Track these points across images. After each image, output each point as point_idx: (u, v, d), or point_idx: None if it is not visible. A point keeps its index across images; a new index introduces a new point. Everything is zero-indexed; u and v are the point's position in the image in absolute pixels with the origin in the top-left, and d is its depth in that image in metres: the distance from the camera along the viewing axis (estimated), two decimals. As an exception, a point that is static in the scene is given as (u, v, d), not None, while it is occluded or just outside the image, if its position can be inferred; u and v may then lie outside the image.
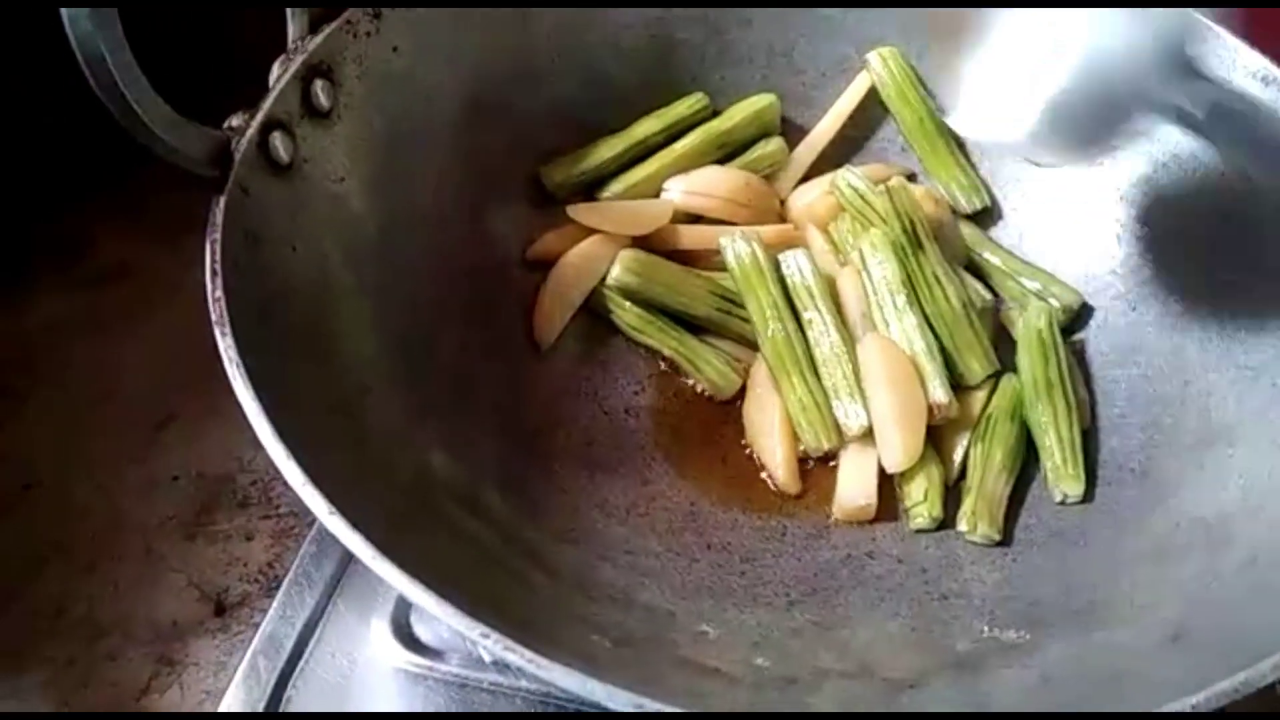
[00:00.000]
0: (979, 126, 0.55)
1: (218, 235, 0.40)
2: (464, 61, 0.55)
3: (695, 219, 0.60)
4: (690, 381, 0.57)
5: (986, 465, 0.52)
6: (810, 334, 0.55)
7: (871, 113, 0.63)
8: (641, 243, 0.58)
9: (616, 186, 0.60)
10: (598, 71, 0.61)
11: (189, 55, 0.56)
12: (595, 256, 0.57)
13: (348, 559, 0.52)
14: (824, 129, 0.63)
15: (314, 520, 0.53)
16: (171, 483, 0.56)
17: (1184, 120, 0.54)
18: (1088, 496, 0.51)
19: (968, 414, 0.54)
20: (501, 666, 0.48)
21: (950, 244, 0.58)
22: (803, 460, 0.54)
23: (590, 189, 0.61)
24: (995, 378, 0.55)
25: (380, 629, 0.50)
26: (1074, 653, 0.43)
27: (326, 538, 0.52)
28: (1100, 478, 0.52)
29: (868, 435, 0.52)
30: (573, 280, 0.57)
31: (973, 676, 0.43)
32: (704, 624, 0.45)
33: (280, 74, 0.46)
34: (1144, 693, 0.36)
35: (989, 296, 0.58)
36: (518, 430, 0.53)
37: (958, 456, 0.53)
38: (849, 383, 0.53)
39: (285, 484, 0.35)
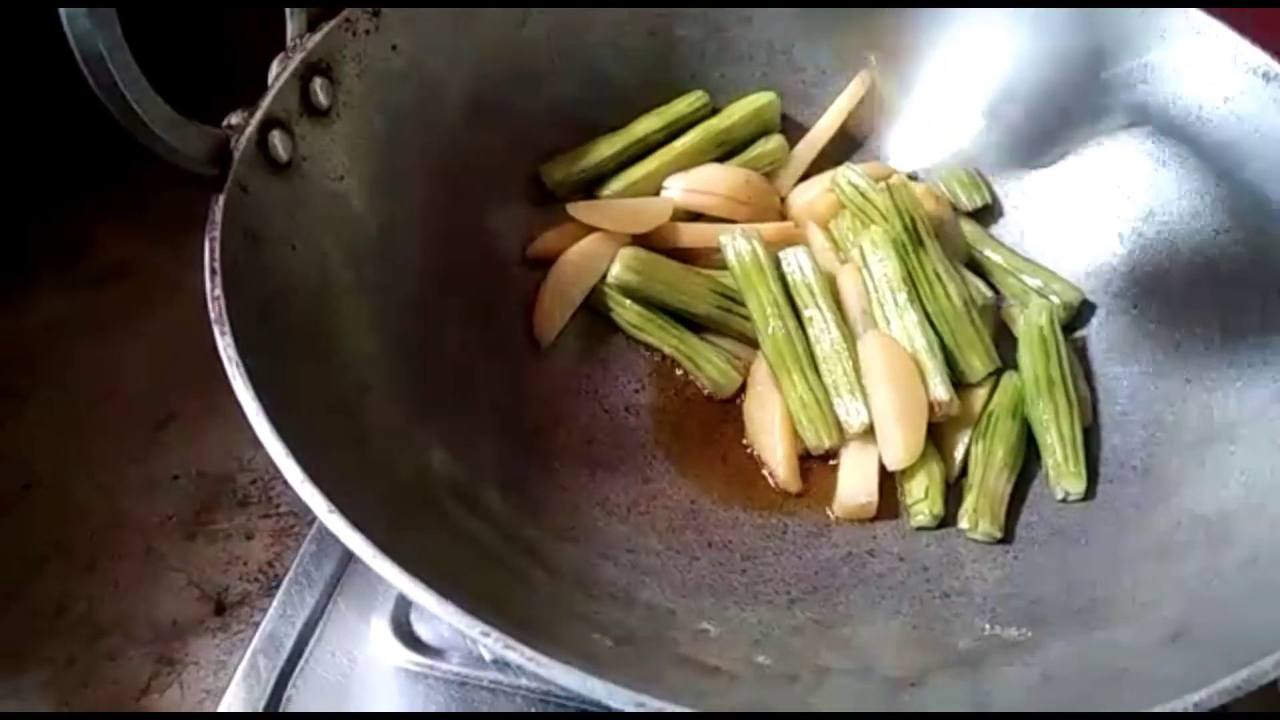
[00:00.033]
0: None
1: (217, 234, 0.40)
2: (464, 60, 0.55)
3: (695, 217, 0.60)
4: (691, 379, 0.57)
5: (988, 463, 0.52)
6: (811, 331, 0.55)
7: (872, 110, 0.63)
8: (641, 241, 0.58)
9: (616, 184, 0.60)
10: (598, 71, 0.61)
11: (188, 54, 0.56)
12: (595, 255, 0.57)
13: (348, 558, 0.52)
14: (824, 126, 0.63)
15: (314, 519, 0.52)
16: (171, 482, 0.56)
17: (1182, 117, 0.54)
18: (1089, 494, 0.51)
19: (969, 411, 0.54)
20: (502, 665, 0.48)
21: (951, 241, 0.58)
22: (803, 458, 0.54)
23: (590, 187, 0.61)
24: (996, 375, 0.55)
25: (380, 628, 0.50)
26: (1075, 650, 0.42)
27: (326, 536, 0.52)
28: (1102, 475, 0.52)
29: (868, 433, 0.52)
30: (573, 278, 0.57)
31: (974, 674, 0.42)
32: (705, 622, 0.45)
33: (279, 72, 0.46)
34: (1145, 691, 0.36)
35: (990, 294, 0.58)
36: (518, 428, 0.53)
37: (959, 454, 0.53)
38: (850, 380, 0.53)
39: (285, 483, 0.35)
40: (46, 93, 0.54)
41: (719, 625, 0.45)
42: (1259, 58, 0.52)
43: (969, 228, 0.60)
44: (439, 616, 0.33)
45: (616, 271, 0.56)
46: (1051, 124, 0.59)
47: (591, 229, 0.58)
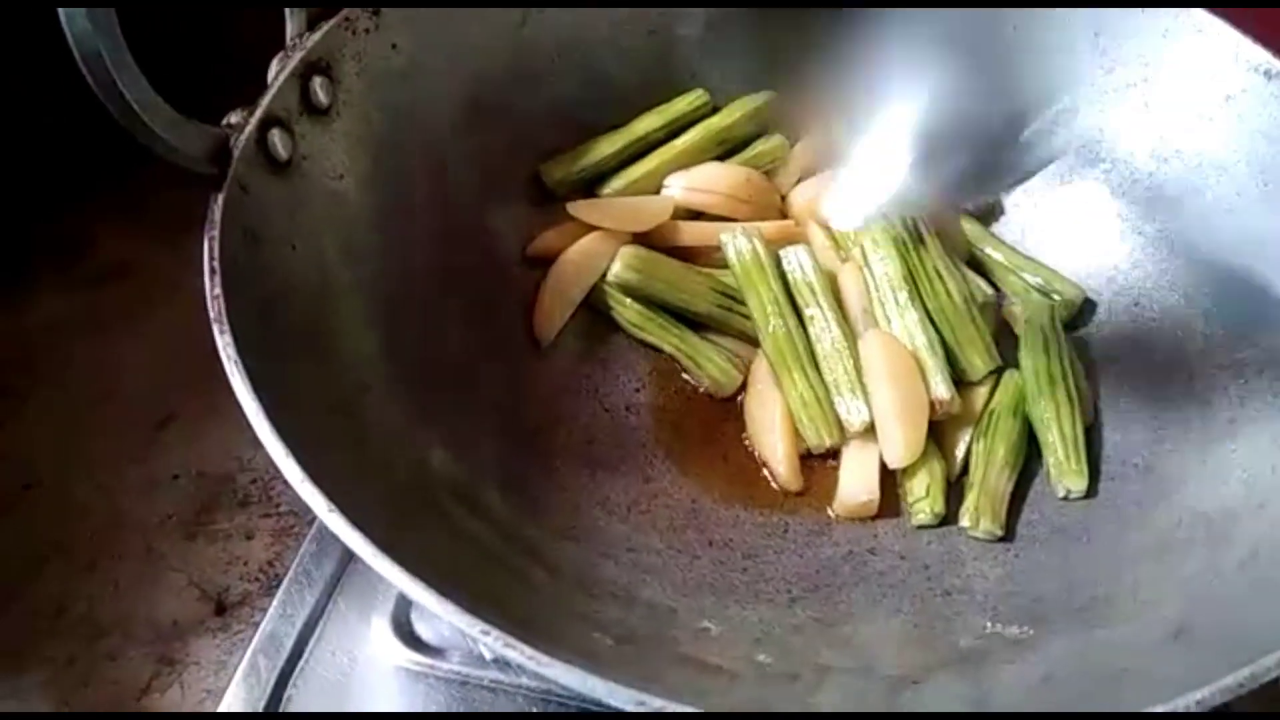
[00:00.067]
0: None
1: (216, 233, 0.40)
2: (463, 59, 0.55)
3: (696, 215, 0.60)
4: (691, 378, 0.56)
5: (989, 461, 0.52)
6: (811, 330, 0.55)
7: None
8: (642, 239, 0.58)
9: (616, 183, 0.60)
10: (598, 71, 0.60)
11: (187, 54, 0.56)
12: (595, 254, 0.57)
13: (348, 557, 0.52)
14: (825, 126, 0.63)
15: (314, 519, 0.53)
16: (171, 482, 0.56)
17: (1184, 116, 0.54)
18: (1090, 492, 0.51)
19: (970, 410, 0.54)
20: (502, 664, 0.48)
21: (952, 239, 0.58)
22: (804, 457, 0.53)
23: (590, 186, 0.61)
24: (997, 373, 0.55)
25: (381, 627, 0.50)
26: (1076, 649, 0.42)
27: (327, 536, 0.52)
28: (1103, 473, 0.52)
29: (869, 431, 0.52)
30: (573, 277, 0.57)
31: (975, 673, 0.42)
32: (706, 621, 0.45)
33: (279, 71, 0.46)
34: (1146, 689, 0.36)
35: (991, 292, 0.58)
36: (518, 428, 0.52)
37: (960, 452, 0.53)
38: (850, 379, 0.53)
39: (285, 483, 0.35)
40: (46, 93, 0.54)
41: (720, 624, 0.45)
42: (1261, 56, 0.52)
43: (970, 226, 0.60)
44: (439, 616, 0.33)
45: (617, 270, 0.56)
46: (1053, 123, 0.59)
47: (591, 228, 0.58)
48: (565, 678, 0.32)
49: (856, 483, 0.52)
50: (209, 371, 0.37)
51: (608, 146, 0.60)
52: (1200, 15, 0.53)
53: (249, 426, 0.36)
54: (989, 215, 0.61)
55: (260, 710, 0.47)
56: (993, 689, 0.41)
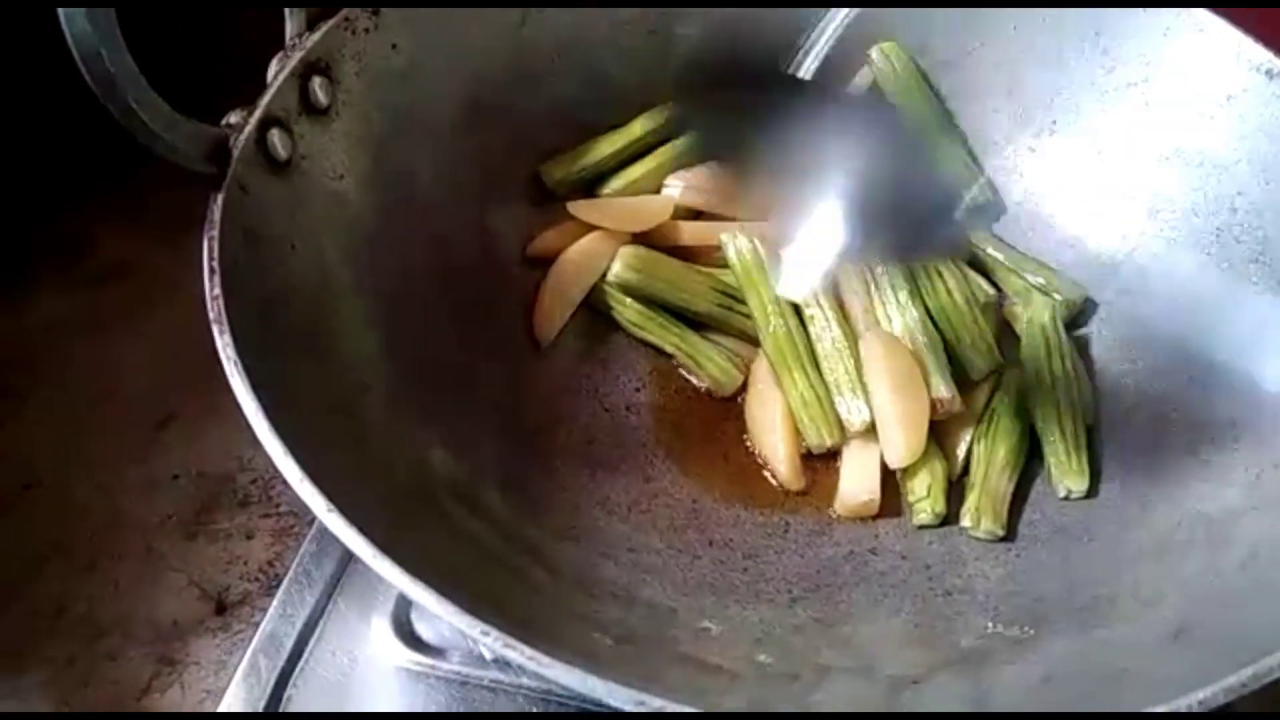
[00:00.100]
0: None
1: (216, 233, 0.40)
2: (463, 59, 0.55)
3: (696, 215, 0.60)
4: (691, 378, 0.56)
5: (990, 461, 0.52)
6: (812, 330, 0.55)
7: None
8: (642, 239, 0.58)
9: (616, 183, 0.60)
10: (598, 71, 0.60)
11: (187, 54, 0.56)
12: (595, 253, 0.57)
13: (348, 557, 0.51)
14: (825, 125, 0.63)
15: (314, 519, 0.52)
16: (171, 482, 0.56)
17: (1185, 115, 0.54)
18: (1091, 492, 0.51)
19: (971, 409, 0.54)
20: (503, 664, 0.48)
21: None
22: (805, 456, 0.53)
23: (590, 186, 0.60)
24: (998, 373, 0.55)
25: (381, 627, 0.49)
26: (1077, 649, 0.42)
27: (327, 536, 0.52)
28: (1104, 473, 0.52)
29: (870, 431, 0.52)
30: (573, 277, 0.57)
31: (976, 673, 0.42)
32: (706, 621, 0.45)
33: (278, 71, 0.46)
34: (1147, 689, 0.36)
35: (992, 291, 0.58)
36: (518, 428, 0.52)
37: (961, 452, 0.53)
38: (851, 378, 0.53)
39: (285, 482, 0.35)
40: (46, 93, 0.54)
41: (720, 624, 0.45)
42: (1262, 55, 0.51)
43: (970, 225, 0.60)
44: (439, 616, 0.33)
45: (617, 270, 0.56)
46: (1053, 120, 0.59)
47: (591, 228, 0.58)
48: (565, 678, 0.32)
49: (857, 482, 0.51)
50: (209, 371, 0.37)
51: (608, 146, 0.60)
52: (1201, 14, 0.53)
53: (249, 426, 0.36)
54: (989, 215, 0.61)
55: (260, 710, 0.47)
56: (993, 689, 0.41)
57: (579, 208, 0.58)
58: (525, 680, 0.48)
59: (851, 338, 0.54)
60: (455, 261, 0.54)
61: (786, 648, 0.44)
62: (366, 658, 0.49)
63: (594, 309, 0.57)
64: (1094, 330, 0.57)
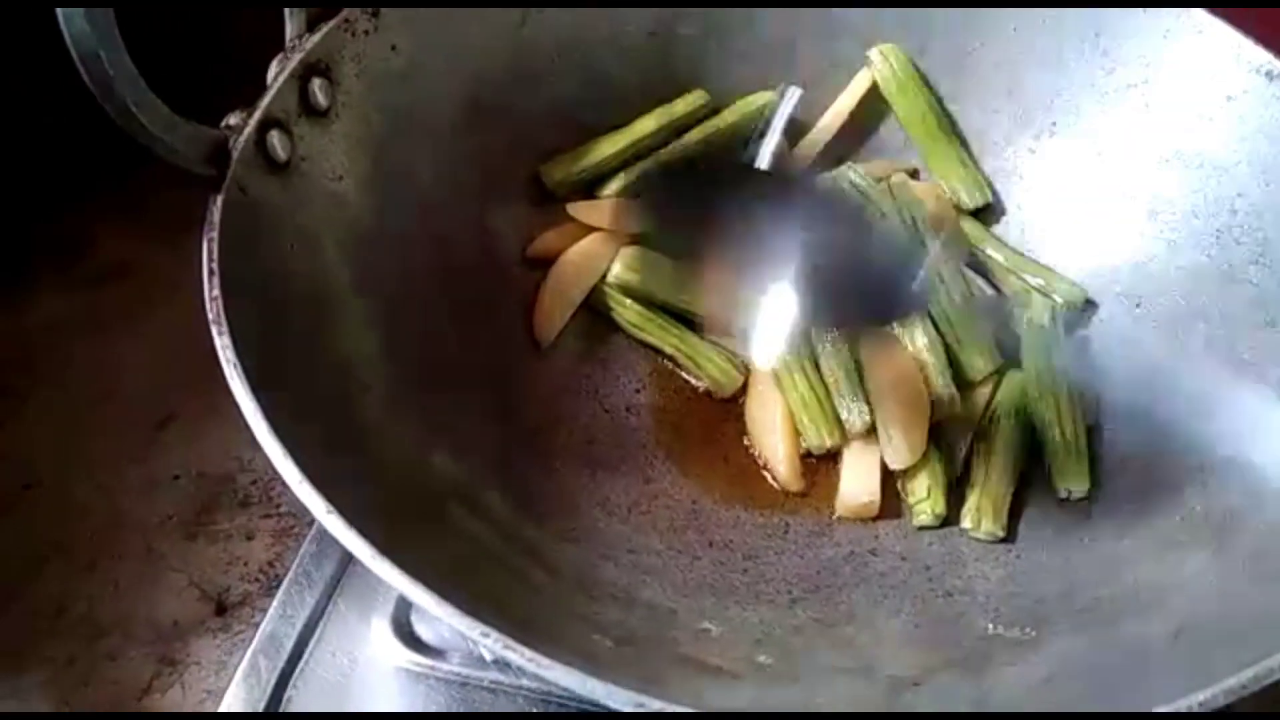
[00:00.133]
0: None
1: (215, 234, 0.40)
2: (463, 60, 0.55)
3: (696, 216, 0.60)
4: (691, 379, 0.56)
5: (990, 462, 0.52)
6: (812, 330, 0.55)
7: (873, 109, 0.63)
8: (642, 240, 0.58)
9: (617, 184, 0.60)
10: (598, 71, 0.60)
11: (186, 54, 0.56)
12: (595, 254, 0.57)
13: (348, 558, 0.51)
14: (825, 126, 0.63)
15: (314, 520, 0.52)
16: (172, 482, 0.56)
17: (1184, 117, 0.54)
18: (1091, 493, 0.51)
19: (971, 410, 0.54)
20: (502, 665, 0.48)
21: (952, 240, 0.58)
22: (805, 457, 0.53)
23: (590, 187, 0.60)
24: (998, 374, 0.55)
25: (381, 628, 0.49)
26: (1078, 650, 0.42)
27: (327, 537, 0.52)
28: (1104, 474, 0.52)
29: (870, 432, 0.52)
30: (573, 278, 0.57)
31: (976, 674, 0.42)
32: (706, 622, 0.45)
33: (278, 73, 0.46)
34: (1148, 690, 0.36)
35: (992, 292, 0.58)
36: (518, 429, 0.52)
37: (961, 453, 0.53)
38: (851, 379, 0.53)
39: (285, 483, 0.35)
40: (46, 93, 0.54)
41: (720, 625, 0.45)
42: (1262, 56, 0.51)
43: (970, 226, 0.60)
44: (439, 617, 0.33)
45: (617, 271, 0.56)
46: (1053, 122, 0.59)
47: (592, 229, 0.57)
48: (565, 679, 0.32)
49: (857, 483, 0.51)
50: (209, 371, 0.37)
51: (608, 147, 0.60)
52: (1201, 16, 0.53)
53: (248, 426, 0.36)
54: (989, 216, 0.61)
55: (260, 711, 0.47)
56: (994, 690, 0.41)
57: (579, 209, 0.58)
58: (525, 681, 0.48)
59: (852, 339, 0.54)
60: (455, 262, 0.54)
61: (787, 649, 0.44)
62: (366, 658, 0.49)
63: (594, 310, 0.57)
64: (1093, 331, 0.57)
